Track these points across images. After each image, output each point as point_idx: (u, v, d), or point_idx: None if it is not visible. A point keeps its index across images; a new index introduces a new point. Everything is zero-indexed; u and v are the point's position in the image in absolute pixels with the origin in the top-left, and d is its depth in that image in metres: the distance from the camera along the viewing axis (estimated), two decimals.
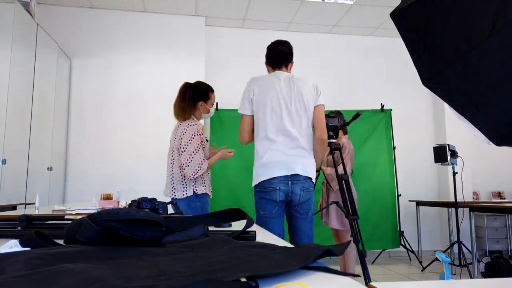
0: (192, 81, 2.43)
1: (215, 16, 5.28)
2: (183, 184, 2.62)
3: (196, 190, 2.62)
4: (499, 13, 1.09)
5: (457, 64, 1.33)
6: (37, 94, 3.85)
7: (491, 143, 1.65)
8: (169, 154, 2.74)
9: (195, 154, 2.56)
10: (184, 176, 2.62)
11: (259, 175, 2.31)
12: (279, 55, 2.47)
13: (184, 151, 2.56)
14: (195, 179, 2.62)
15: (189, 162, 2.55)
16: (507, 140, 1.54)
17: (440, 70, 1.46)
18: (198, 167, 2.56)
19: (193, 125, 2.62)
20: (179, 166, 2.63)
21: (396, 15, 1.64)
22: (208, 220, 0.91)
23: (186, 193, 2.60)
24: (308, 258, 0.54)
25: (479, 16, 1.15)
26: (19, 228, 1.03)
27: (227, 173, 4.89)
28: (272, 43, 2.52)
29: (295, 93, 2.37)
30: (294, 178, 2.27)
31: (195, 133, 2.58)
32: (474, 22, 1.17)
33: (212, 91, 2.80)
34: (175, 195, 2.62)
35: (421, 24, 1.48)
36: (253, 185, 2.37)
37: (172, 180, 2.65)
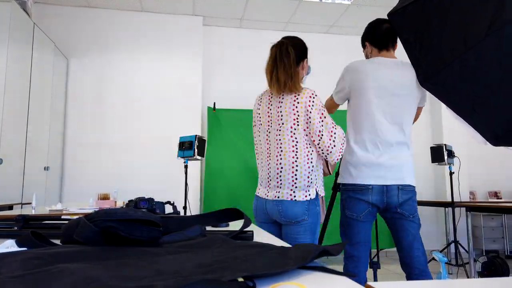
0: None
1: (212, 16, 5.27)
2: (310, 181, 1.87)
3: (318, 189, 1.92)
4: (497, 14, 1.09)
5: (454, 65, 1.33)
6: (33, 93, 3.83)
7: (487, 143, 1.66)
8: (285, 138, 1.87)
9: (335, 129, 1.89)
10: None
11: None
12: (386, 34, 2.04)
13: (322, 130, 1.83)
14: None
15: (334, 142, 1.86)
16: (503, 140, 1.55)
17: (437, 71, 1.46)
18: (342, 145, 1.91)
19: (316, 94, 1.90)
20: (312, 153, 1.87)
21: (394, 16, 1.64)
22: (206, 220, 0.91)
23: (310, 195, 1.86)
24: (306, 258, 0.54)
25: (477, 16, 1.15)
26: (16, 228, 1.02)
27: (225, 173, 4.88)
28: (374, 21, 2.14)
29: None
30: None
31: (322, 104, 1.91)
32: (472, 22, 1.17)
33: None
34: (309, 195, 1.85)
35: (419, 24, 1.48)
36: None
37: (310, 174, 1.86)
